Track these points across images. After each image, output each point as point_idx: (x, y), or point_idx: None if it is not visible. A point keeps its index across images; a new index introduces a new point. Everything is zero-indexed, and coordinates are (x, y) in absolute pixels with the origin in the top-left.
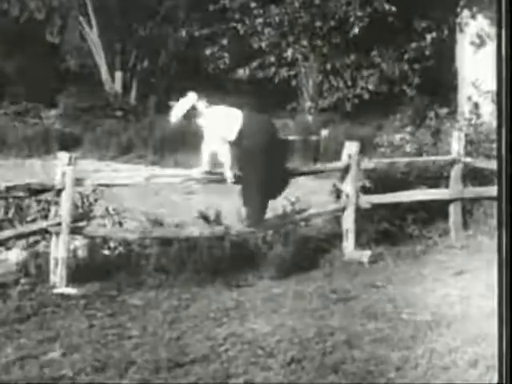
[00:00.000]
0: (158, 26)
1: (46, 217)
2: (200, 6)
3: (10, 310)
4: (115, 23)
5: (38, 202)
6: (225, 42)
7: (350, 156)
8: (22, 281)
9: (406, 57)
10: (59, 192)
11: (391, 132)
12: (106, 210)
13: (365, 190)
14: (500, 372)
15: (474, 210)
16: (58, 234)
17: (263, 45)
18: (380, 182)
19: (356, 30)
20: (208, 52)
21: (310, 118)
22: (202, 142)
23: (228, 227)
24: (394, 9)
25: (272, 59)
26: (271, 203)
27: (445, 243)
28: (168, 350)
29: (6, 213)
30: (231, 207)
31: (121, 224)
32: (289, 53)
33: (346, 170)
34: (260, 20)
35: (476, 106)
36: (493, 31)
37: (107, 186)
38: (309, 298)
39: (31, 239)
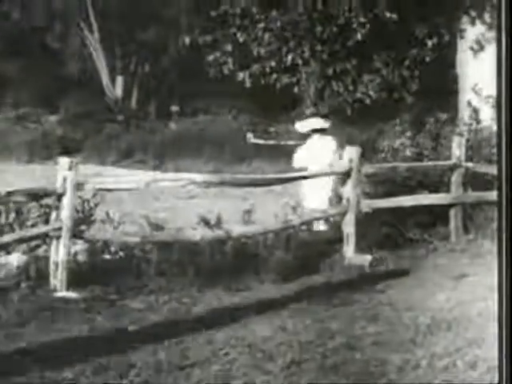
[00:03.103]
0: (160, 31)
1: (46, 221)
2: (201, 12)
3: (11, 313)
4: (116, 28)
5: (39, 206)
6: (228, 47)
7: (351, 160)
8: (23, 285)
9: (406, 63)
10: (60, 197)
11: (392, 137)
12: (107, 214)
13: (366, 195)
14: (500, 374)
15: (474, 215)
16: (58, 238)
17: (262, 51)
18: (381, 186)
19: (359, 36)
20: (211, 58)
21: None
22: None
23: (229, 231)
24: (394, 16)
25: (273, 64)
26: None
27: (446, 247)
28: (168, 353)
29: (7, 217)
30: (232, 211)
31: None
32: (289, 57)
33: (347, 175)
34: (261, 25)
35: (476, 111)
36: (491, 36)
37: (108, 190)
38: (309, 301)
39: (32, 243)
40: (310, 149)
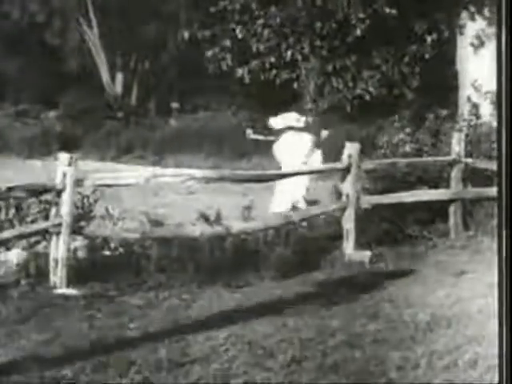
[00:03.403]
0: (159, 27)
1: (46, 217)
2: (200, 8)
3: (11, 310)
4: (116, 24)
5: (39, 202)
6: (227, 43)
7: (350, 156)
8: (23, 281)
9: (406, 59)
10: (60, 193)
11: (391, 133)
12: (107, 210)
13: (365, 191)
14: (500, 372)
15: (474, 211)
16: (58, 234)
17: (261, 47)
18: (380, 182)
19: (358, 32)
20: (209, 54)
21: (310, 119)
22: None
23: (229, 227)
24: (394, 11)
25: (272, 60)
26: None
27: (445, 244)
28: (168, 350)
29: (7, 213)
30: (232, 207)
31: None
32: (288, 53)
33: (346, 171)
34: (260, 21)
35: (476, 106)
36: (491, 32)
37: (108, 186)
38: (309, 298)
39: (32, 239)
40: (284, 144)
